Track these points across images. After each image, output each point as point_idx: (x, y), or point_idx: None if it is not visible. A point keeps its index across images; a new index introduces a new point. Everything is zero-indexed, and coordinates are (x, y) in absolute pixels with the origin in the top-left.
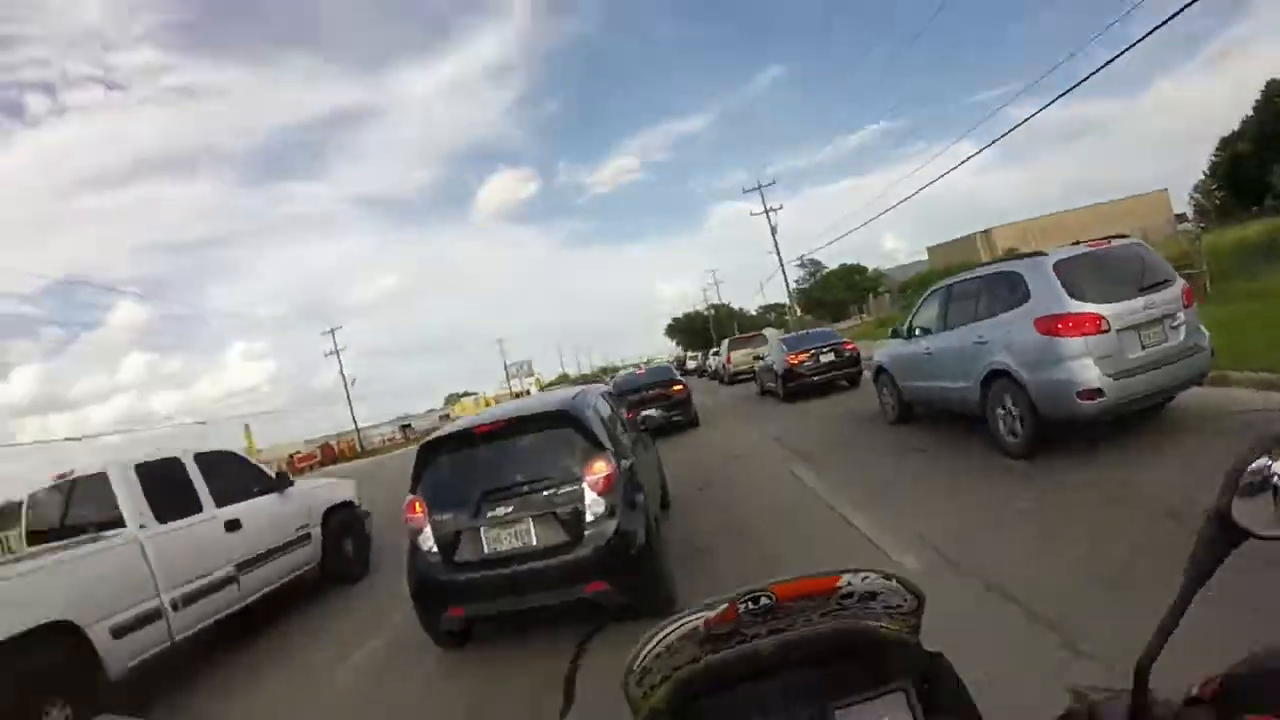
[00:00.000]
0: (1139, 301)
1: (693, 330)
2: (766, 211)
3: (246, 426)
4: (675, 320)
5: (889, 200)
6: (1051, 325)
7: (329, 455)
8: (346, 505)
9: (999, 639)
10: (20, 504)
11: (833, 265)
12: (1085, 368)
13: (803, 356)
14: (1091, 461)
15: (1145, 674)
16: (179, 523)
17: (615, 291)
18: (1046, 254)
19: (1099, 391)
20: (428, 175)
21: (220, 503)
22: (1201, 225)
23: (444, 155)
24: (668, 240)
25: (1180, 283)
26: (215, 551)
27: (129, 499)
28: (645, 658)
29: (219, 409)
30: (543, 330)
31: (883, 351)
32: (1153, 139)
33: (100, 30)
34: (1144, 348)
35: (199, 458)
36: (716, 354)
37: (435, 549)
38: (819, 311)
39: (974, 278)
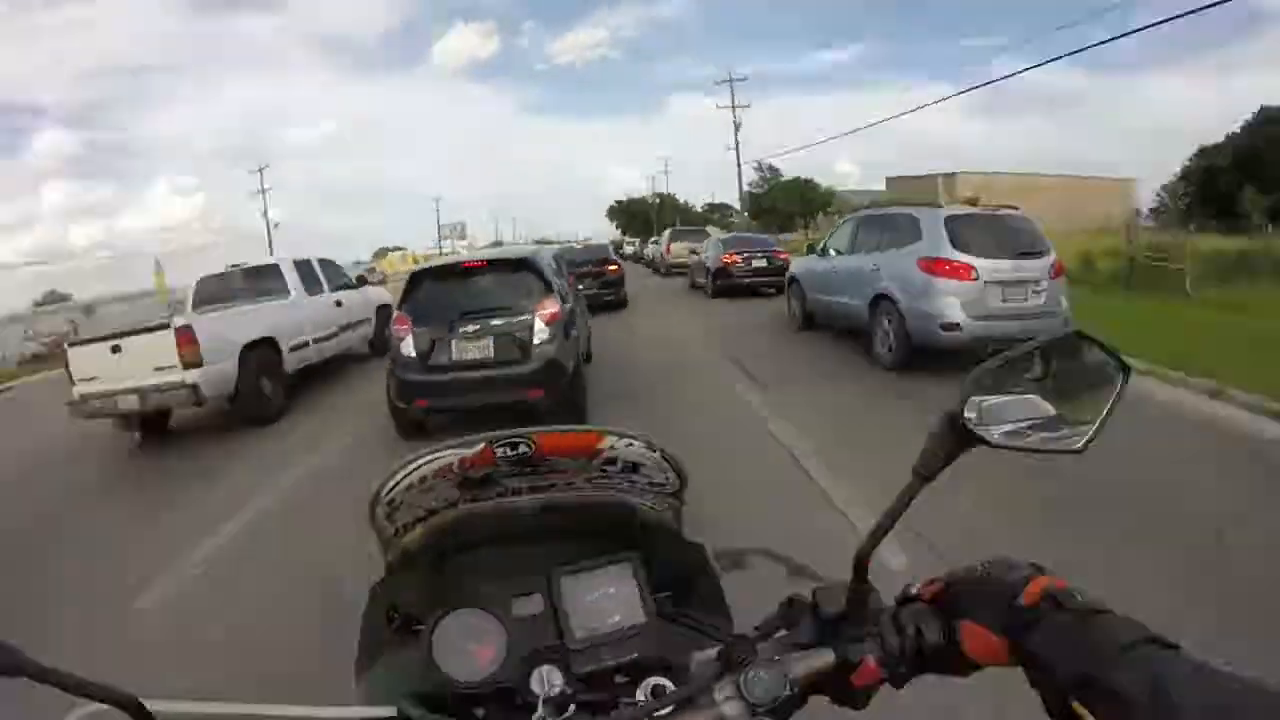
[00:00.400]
0: (1010, 264)
1: (634, 215)
2: (734, 106)
3: (156, 263)
4: (619, 203)
5: (855, 123)
6: (931, 266)
7: None
8: (387, 306)
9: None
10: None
11: (788, 177)
12: (950, 305)
13: (736, 258)
14: (925, 381)
15: (864, 563)
16: (313, 296)
17: (561, 166)
18: (942, 206)
19: (957, 326)
20: (383, 17)
21: (332, 289)
22: (1151, 224)
23: None
24: (622, 123)
25: (1053, 257)
26: (330, 316)
27: (292, 277)
28: (396, 488)
29: (144, 242)
30: (481, 195)
31: (799, 263)
32: (1132, 127)
33: None
34: (1004, 301)
35: (321, 261)
36: (656, 243)
37: (414, 353)
38: (767, 218)
39: (881, 214)
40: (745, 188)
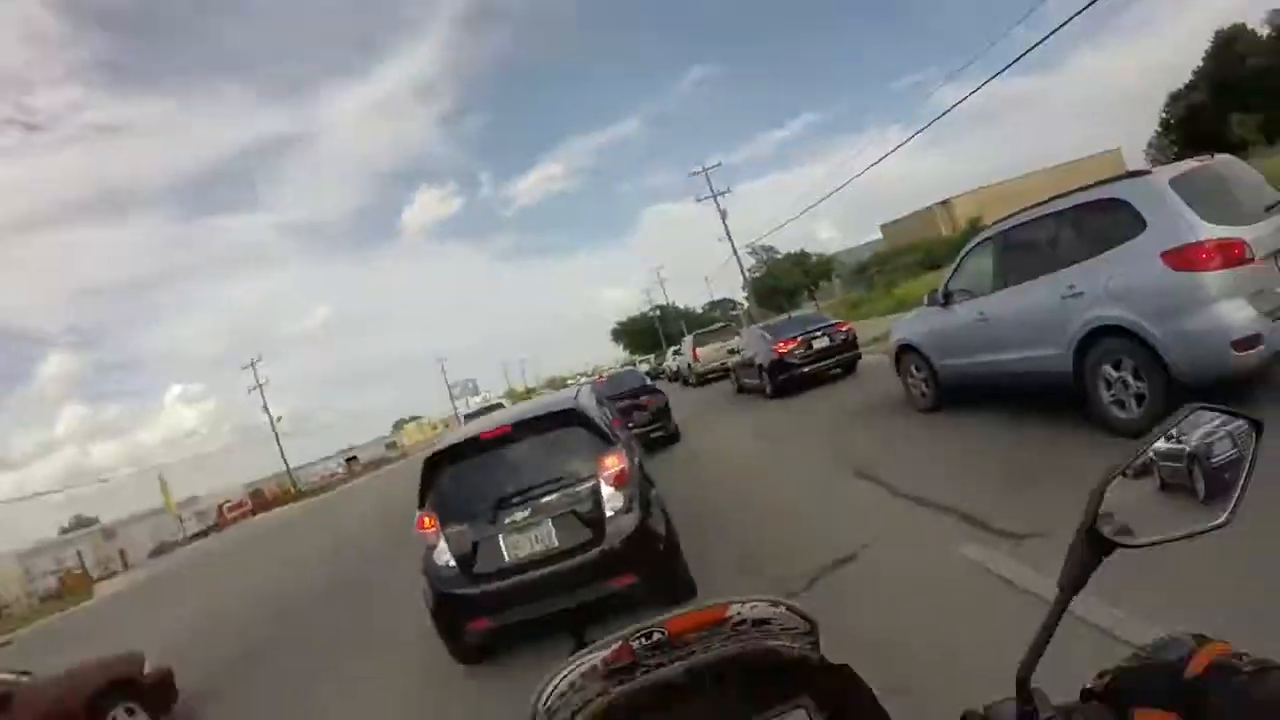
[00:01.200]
0: (1267, 224)
1: (639, 333)
2: (715, 195)
3: (161, 479)
4: (620, 324)
5: (826, 188)
6: (1188, 257)
7: (260, 503)
8: None
9: None
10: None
11: (782, 254)
12: (1237, 309)
13: (792, 344)
14: None
15: (1026, 682)
16: None
17: (554, 302)
18: (1150, 170)
19: (1256, 338)
20: (354, 199)
21: None
22: None
23: (370, 176)
24: (603, 247)
25: None
26: None
27: None
28: (549, 697)
29: (160, 454)
30: (484, 348)
31: (906, 326)
32: (1099, 101)
33: (18, 72)
34: None
35: None
36: (678, 353)
37: (452, 562)
38: (773, 301)
39: (1045, 215)
40: (746, 272)
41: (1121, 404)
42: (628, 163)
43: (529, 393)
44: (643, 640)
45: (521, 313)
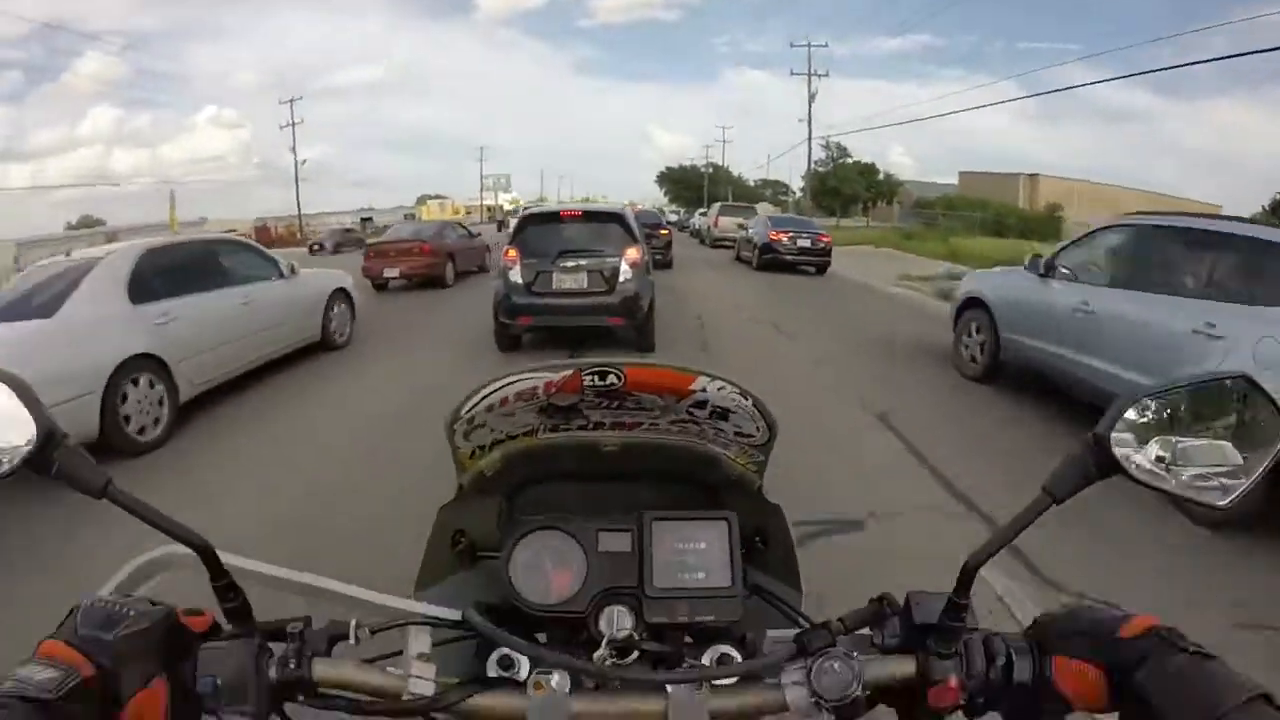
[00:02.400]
0: None
1: (685, 183)
2: (810, 74)
3: (171, 194)
4: (669, 169)
5: (919, 113)
6: None
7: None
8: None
9: None
10: None
11: (854, 160)
12: None
13: (783, 235)
14: None
15: (972, 573)
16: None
17: (611, 127)
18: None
19: None
20: None
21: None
22: None
23: None
24: (676, 90)
25: None
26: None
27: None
28: (475, 406)
29: (183, 173)
30: (528, 149)
31: (985, 279)
32: (1218, 152)
33: None
34: None
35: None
36: (703, 214)
37: (520, 280)
38: (828, 200)
39: (1207, 232)
40: (813, 164)
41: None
42: (729, 14)
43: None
44: (595, 378)
45: (574, 128)
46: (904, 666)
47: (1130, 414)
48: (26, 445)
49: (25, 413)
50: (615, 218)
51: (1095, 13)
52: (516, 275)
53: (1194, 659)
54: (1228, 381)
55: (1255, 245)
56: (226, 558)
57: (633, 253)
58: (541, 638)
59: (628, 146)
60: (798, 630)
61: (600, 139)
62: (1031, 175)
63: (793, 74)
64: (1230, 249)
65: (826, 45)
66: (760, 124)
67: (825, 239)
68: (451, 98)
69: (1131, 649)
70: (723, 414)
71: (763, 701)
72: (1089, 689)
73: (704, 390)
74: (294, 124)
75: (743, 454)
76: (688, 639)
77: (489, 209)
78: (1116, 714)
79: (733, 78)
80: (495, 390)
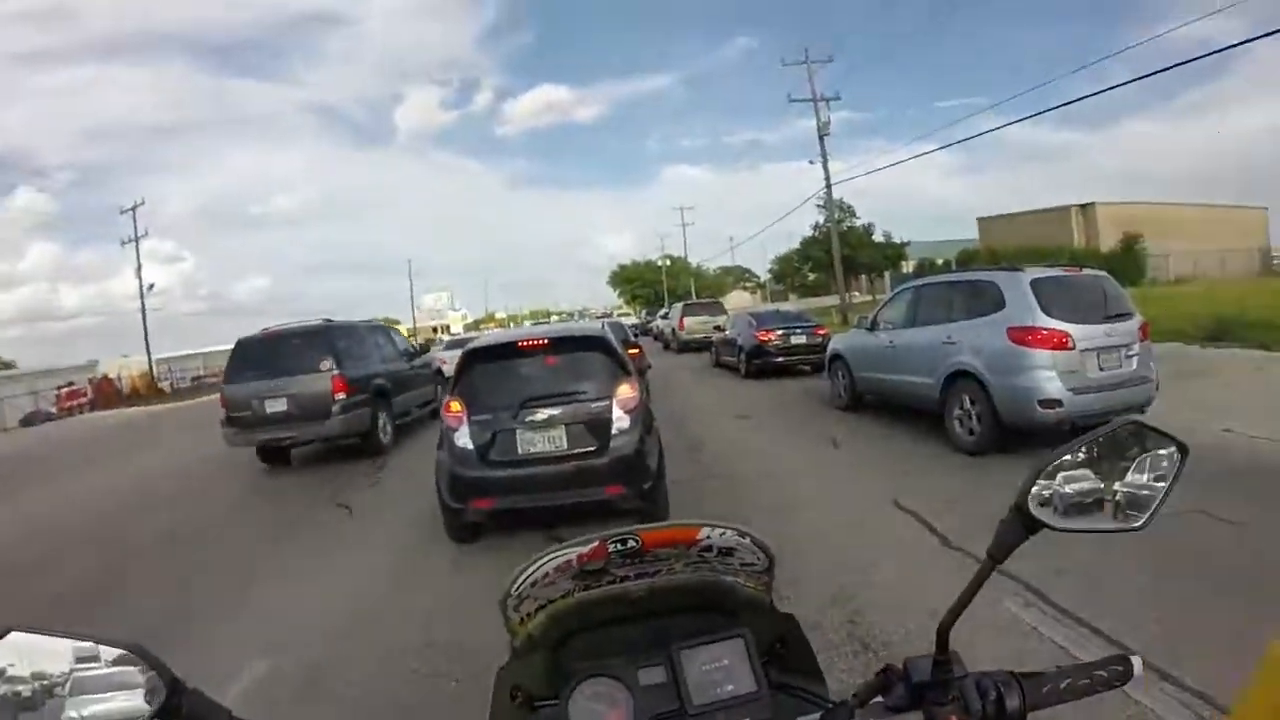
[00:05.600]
0: (1102, 328)
1: (641, 281)
2: (816, 100)
3: None
4: (622, 268)
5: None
6: (1023, 336)
7: (105, 393)
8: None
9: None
10: None
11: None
12: (1050, 379)
13: (773, 335)
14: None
15: (945, 635)
16: None
17: (553, 236)
18: (1022, 270)
19: (1058, 402)
20: (367, 89)
21: None
22: None
23: (391, 72)
24: (615, 193)
25: (1138, 318)
26: None
27: None
28: (521, 584)
29: (133, 307)
30: (471, 267)
31: (841, 340)
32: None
33: None
34: (1102, 369)
35: None
36: (665, 317)
37: (471, 446)
38: (838, 272)
39: (947, 281)
40: (817, 230)
41: (964, 427)
42: (654, 115)
43: (511, 321)
44: (618, 545)
45: (516, 241)
46: None
47: (1043, 477)
48: (158, 698)
49: (152, 673)
50: (595, 343)
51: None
52: (465, 438)
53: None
54: (1120, 427)
55: (971, 284)
56: None
57: (625, 390)
58: None
59: (572, 254)
60: (821, 712)
61: (544, 249)
62: (1084, 206)
63: (791, 100)
64: (959, 289)
65: (831, 60)
66: (706, 216)
67: (821, 331)
68: (391, 221)
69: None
70: (728, 552)
71: None
72: None
73: (708, 537)
74: (137, 238)
75: (750, 580)
76: None
77: (435, 330)
78: None
79: (669, 175)
80: (536, 568)
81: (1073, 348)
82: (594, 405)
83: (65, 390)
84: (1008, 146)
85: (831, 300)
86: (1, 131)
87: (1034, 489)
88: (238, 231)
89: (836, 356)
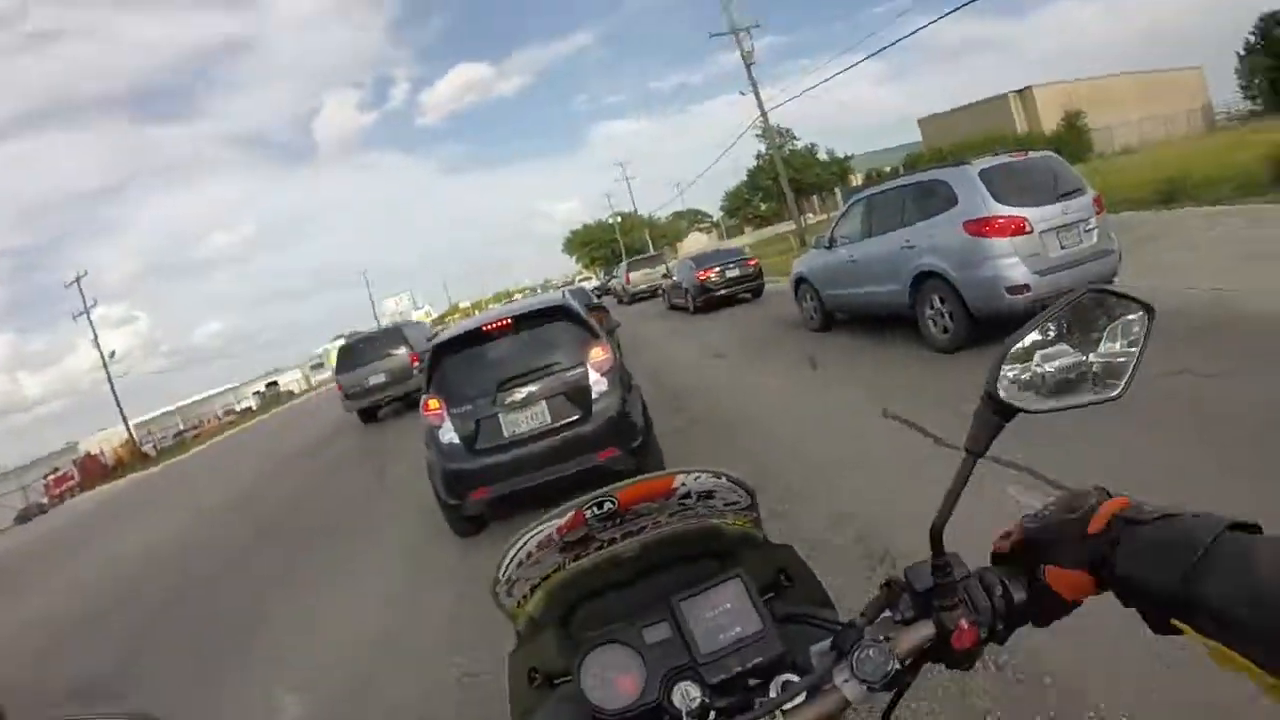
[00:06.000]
0: (1057, 207)
1: (597, 243)
2: (737, 33)
3: None
4: (574, 233)
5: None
6: (980, 227)
7: (91, 472)
8: None
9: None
10: None
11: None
12: (1013, 265)
13: (711, 273)
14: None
15: (939, 536)
16: None
17: (500, 214)
18: (969, 162)
19: (1026, 287)
20: (285, 105)
21: None
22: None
23: (308, 86)
24: (553, 161)
25: (1090, 192)
26: None
27: None
28: (507, 568)
29: (94, 381)
30: (426, 261)
31: (802, 262)
32: (1194, 11)
33: None
34: (1063, 248)
35: None
36: (614, 276)
37: (457, 439)
38: (771, 201)
39: (896, 187)
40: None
41: (937, 326)
42: (576, 77)
43: (475, 308)
44: (594, 509)
45: (464, 226)
46: (923, 630)
47: (1009, 360)
48: None
49: None
50: (557, 313)
51: None
52: (449, 433)
53: (1158, 525)
54: (1081, 297)
55: (920, 185)
56: None
57: (598, 353)
58: None
59: (524, 229)
60: (832, 636)
61: (494, 230)
62: (1022, 91)
63: (712, 36)
64: (911, 192)
65: (756, 26)
66: (649, 166)
67: (753, 262)
68: (337, 235)
69: (1101, 540)
70: (708, 495)
71: (829, 705)
72: (1081, 586)
73: (684, 484)
74: (87, 310)
75: (737, 518)
76: (752, 683)
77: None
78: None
79: (603, 133)
80: (518, 549)
81: (1031, 231)
82: (569, 374)
83: (53, 478)
84: (938, 46)
85: (787, 226)
86: None
87: (1004, 372)
88: (186, 279)
89: (801, 280)
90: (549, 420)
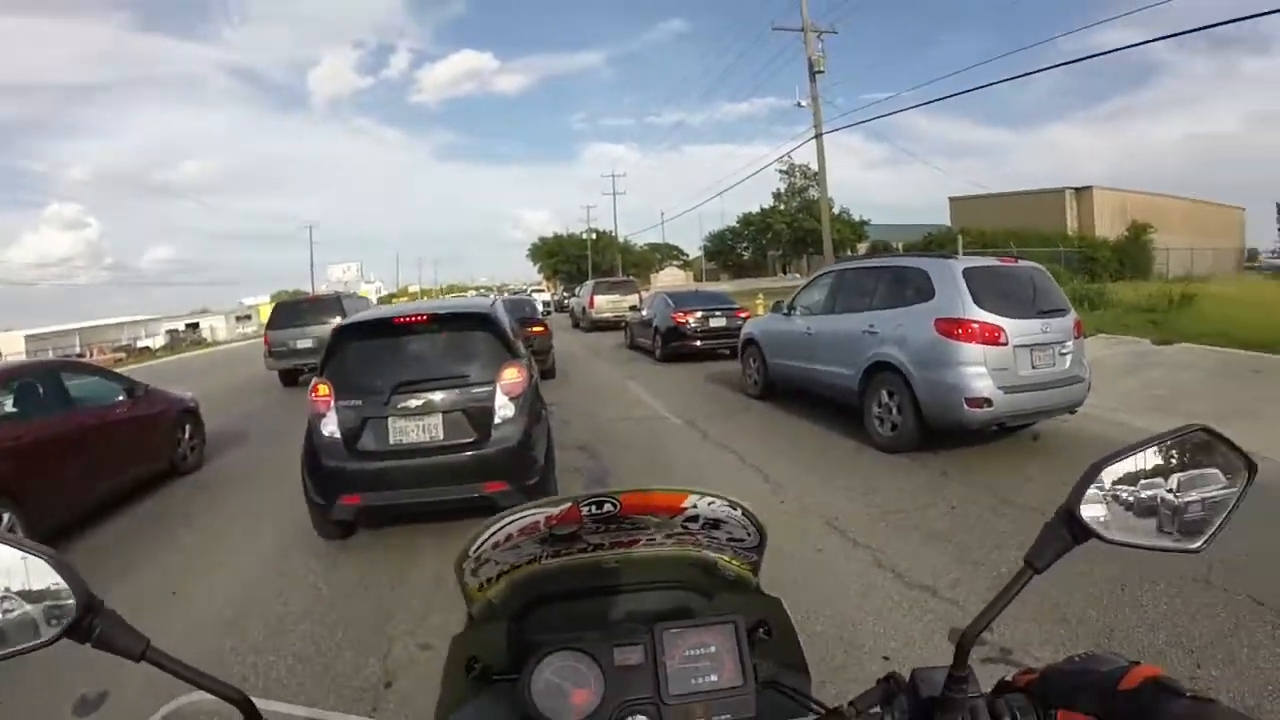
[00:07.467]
0: (1037, 323)
1: (564, 256)
2: (807, 30)
3: None
4: (543, 240)
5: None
6: (952, 328)
7: None
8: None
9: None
10: None
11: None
12: (979, 376)
13: (690, 316)
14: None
15: (967, 647)
16: None
17: (477, 209)
18: (954, 257)
19: (988, 401)
20: (291, 49)
21: None
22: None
23: (315, 31)
24: (540, 170)
25: (1073, 314)
26: None
27: None
28: (483, 545)
29: (35, 277)
30: (387, 241)
31: (755, 324)
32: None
33: None
34: (1034, 367)
35: None
36: (575, 296)
37: (338, 434)
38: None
39: (871, 267)
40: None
41: (883, 423)
42: (580, 92)
43: (424, 295)
44: (593, 508)
45: (440, 213)
46: None
47: (1097, 482)
48: (67, 616)
49: (65, 585)
50: (480, 321)
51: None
52: (331, 425)
53: (1192, 705)
54: (1189, 434)
55: (897, 270)
56: (263, 704)
57: (511, 373)
58: None
59: (497, 228)
60: (814, 717)
61: (463, 223)
62: (1081, 190)
63: (774, 29)
64: (886, 275)
65: None
66: (632, 192)
67: (743, 313)
68: (308, 191)
69: (1131, 701)
70: (715, 524)
71: None
72: None
73: (695, 506)
74: None
75: (737, 557)
76: None
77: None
78: None
79: (594, 153)
80: (499, 528)
81: (1005, 343)
82: (475, 390)
83: None
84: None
85: (770, 281)
86: None
87: (1088, 494)
88: (148, 197)
89: (750, 341)
90: (440, 436)
